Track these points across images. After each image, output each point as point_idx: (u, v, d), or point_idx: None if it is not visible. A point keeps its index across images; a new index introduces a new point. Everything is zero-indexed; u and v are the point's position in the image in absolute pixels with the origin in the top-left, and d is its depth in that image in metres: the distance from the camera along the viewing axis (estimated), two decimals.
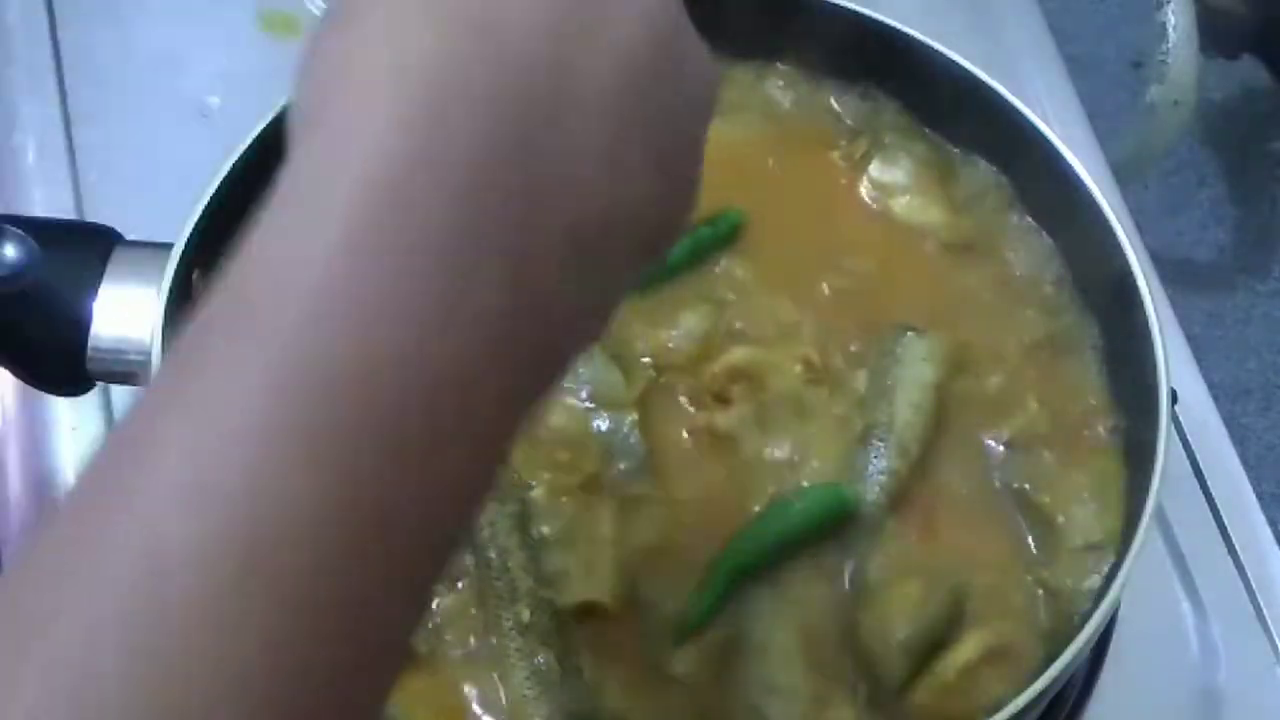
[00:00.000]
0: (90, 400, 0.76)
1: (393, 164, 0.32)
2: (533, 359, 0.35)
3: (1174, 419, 0.66)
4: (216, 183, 0.67)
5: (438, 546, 0.34)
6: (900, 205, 0.74)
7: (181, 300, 0.65)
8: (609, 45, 0.35)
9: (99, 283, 0.67)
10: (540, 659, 0.60)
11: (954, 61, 0.73)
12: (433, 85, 0.33)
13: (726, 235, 0.71)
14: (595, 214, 0.35)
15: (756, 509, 0.63)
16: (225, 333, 0.33)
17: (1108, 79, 1.59)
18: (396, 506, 0.32)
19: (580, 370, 0.65)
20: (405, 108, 0.33)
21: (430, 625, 0.61)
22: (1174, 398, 0.65)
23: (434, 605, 0.62)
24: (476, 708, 0.60)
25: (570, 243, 0.34)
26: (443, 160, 0.32)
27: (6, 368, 0.70)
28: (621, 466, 0.63)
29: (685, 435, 0.65)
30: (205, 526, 0.30)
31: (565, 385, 0.64)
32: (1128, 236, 0.68)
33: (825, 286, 0.71)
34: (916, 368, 0.67)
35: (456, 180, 0.32)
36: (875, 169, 0.75)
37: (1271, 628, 0.76)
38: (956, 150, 0.76)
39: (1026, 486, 0.66)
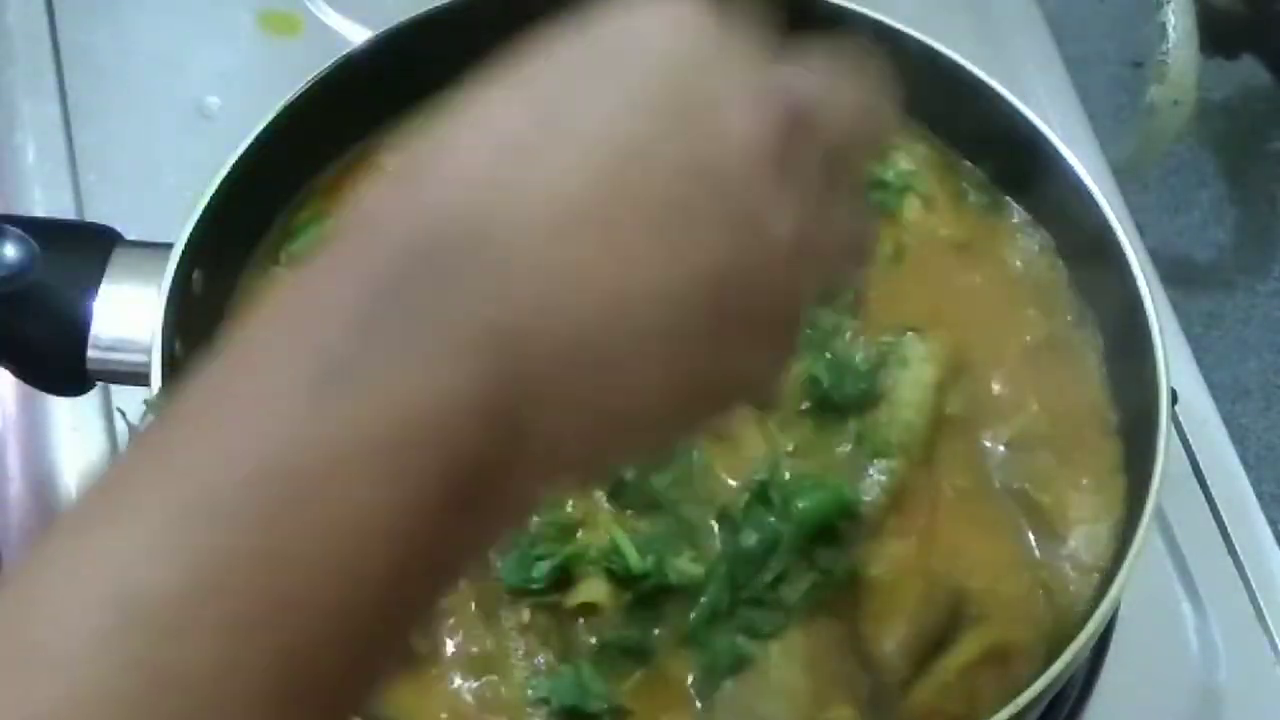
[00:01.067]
0: (90, 400, 0.76)
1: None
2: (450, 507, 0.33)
3: (1174, 419, 0.66)
4: (216, 183, 0.68)
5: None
6: (900, 205, 0.74)
7: (182, 300, 0.65)
8: (548, 181, 0.34)
9: (99, 283, 0.67)
10: (540, 659, 0.60)
11: (954, 61, 0.73)
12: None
13: None
14: (537, 328, 0.33)
15: (757, 509, 0.63)
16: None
17: (1108, 79, 1.59)
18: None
19: None
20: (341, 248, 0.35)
21: (430, 625, 0.61)
22: (1174, 398, 0.65)
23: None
24: (476, 708, 0.60)
25: (508, 358, 0.33)
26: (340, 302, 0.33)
27: (6, 368, 0.70)
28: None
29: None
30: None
31: None
32: (1128, 236, 0.68)
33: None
34: (916, 368, 0.67)
35: (359, 302, 0.33)
36: (875, 169, 0.75)
37: (1271, 628, 0.76)
38: (956, 150, 0.76)
39: (1026, 486, 0.66)
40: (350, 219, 0.35)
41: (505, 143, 0.34)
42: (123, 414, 0.77)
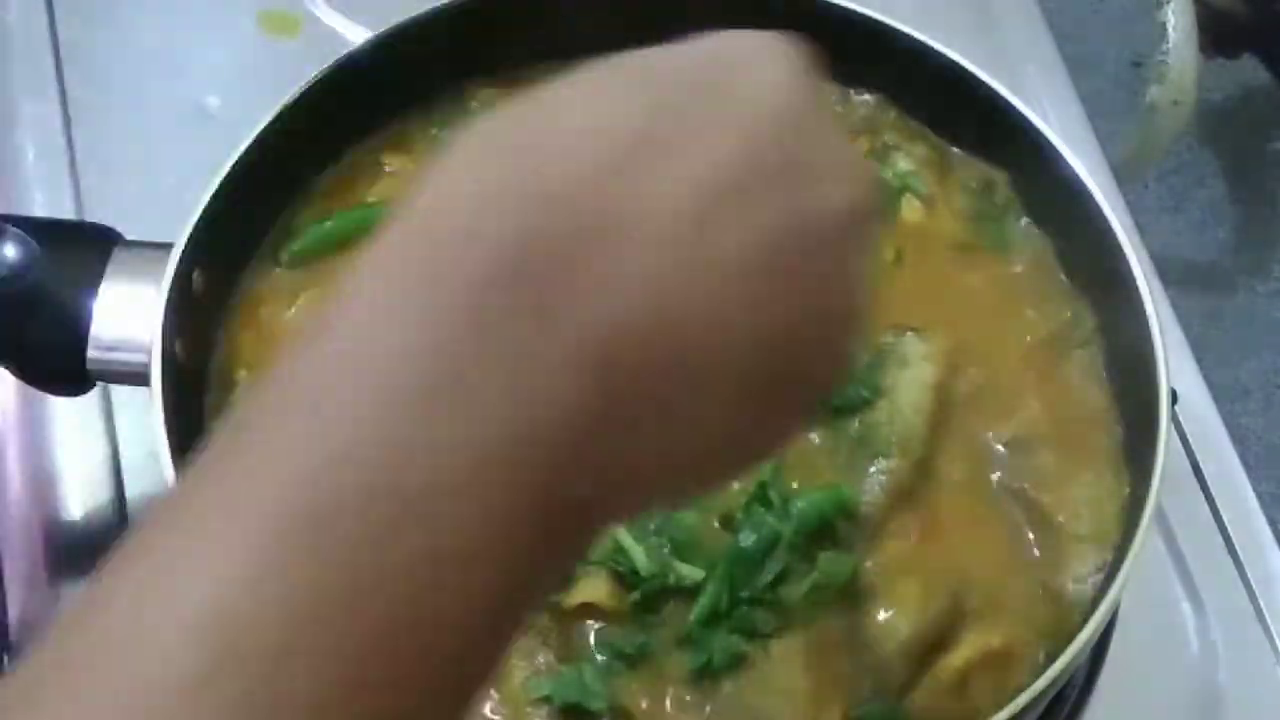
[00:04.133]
0: (90, 400, 0.75)
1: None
2: (553, 508, 0.32)
3: (1174, 419, 0.66)
4: (216, 183, 0.68)
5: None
6: (900, 205, 0.74)
7: (181, 300, 0.65)
8: (679, 174, 0.33)
9: (99, 283, 0.67)
10: (540, 659, 0.60)
11: (954, 62, 0.73)
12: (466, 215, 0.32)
13: None
14: (633, 345, 0.32)
15: (756, 509, 0.63)
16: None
17: (1108, 79, 1.59)
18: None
19: None
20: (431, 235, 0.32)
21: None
22: (1174, 398, 0.65)
23: None
24: (477, 707, 0.60)
25: (601, 376, 0.31)
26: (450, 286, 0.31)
27: (6, 368, 0.70)
28: None
29: None
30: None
31: None
32: (1128, 236, 0.68)
33: None
34: (917, 368, 0.67)
35: (466, 300, 0.31)
36: (875, 169, 0.75)
37: (1271, 628, 0.76)
38: (956, 150, 0.76)
39: (1026, 486, 0.66)
40: (432, 192, 0.33)
41: (622, 139, 0.33)
42: None
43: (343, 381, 0.31)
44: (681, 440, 0.34)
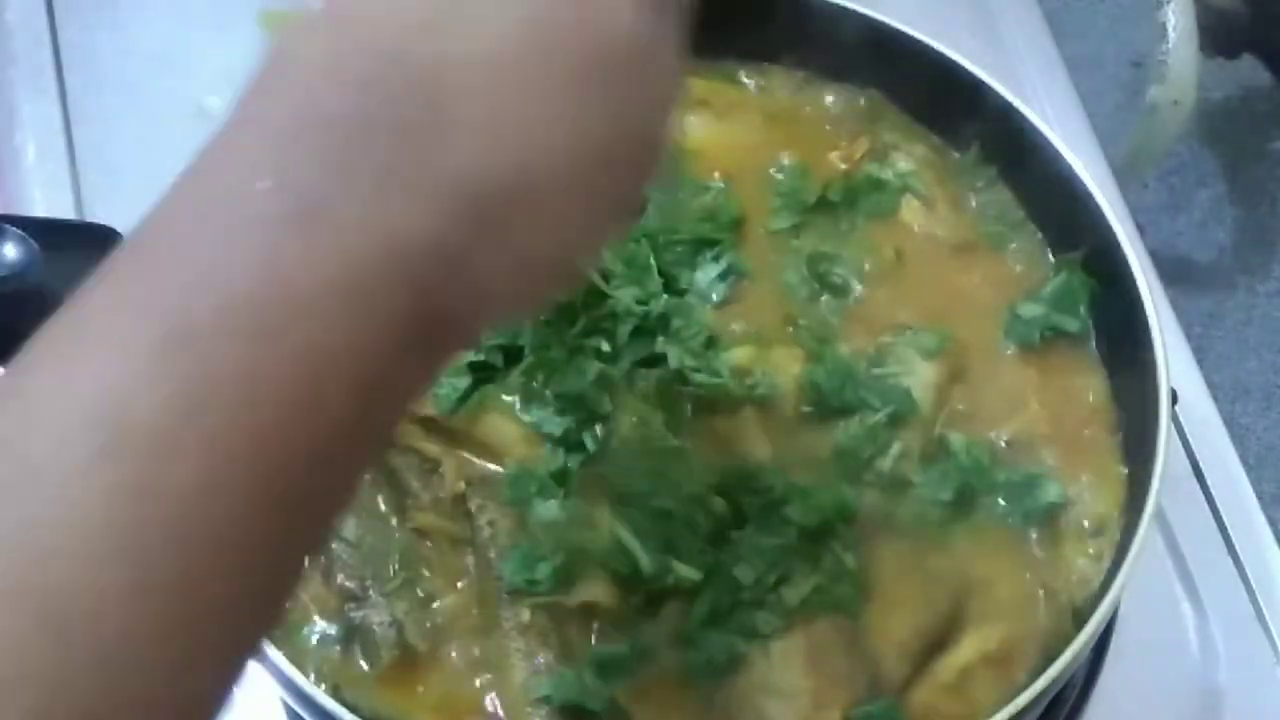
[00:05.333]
0: None
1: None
2: (420, 314, 0.36)
3: (1174, 419, 0.66)
4: None
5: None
6: (900, 205, 0.74)
7: None
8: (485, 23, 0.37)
9: None
10: (540, 659, 0.60)
11: (954, 62, 0.73)
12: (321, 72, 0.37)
13: (727, 231, 0.71)
14: (488, 175, 0.36)
15: (758, 509, 0.63)
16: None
17: (1108, 79, 1.59)
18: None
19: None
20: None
21: (430, 625, 0.61)
22: (1174, 398, 0.65)
23: (434, 605, 0.62)
24: (477, 707, 0.60)
25: (465, 202, 0.36)
26: (315, 124, 0.36)
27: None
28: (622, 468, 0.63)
29: (687, 435, 0.65)
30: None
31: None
32: (1128, 236, 0.68)
33: (826, 287, 0.71)
34: (916, 368, 0.67)
35: (327, 142, 0.35)
36: (875, 169, 0.75)
37: (1271, 628, 0.76)
38: (956, 150, 0.76)
39: None
40: (280, 55, 0.38)
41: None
42: None
43: (219, 210, 0.35)
44: (531, 252, 0.38)
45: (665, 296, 0.62)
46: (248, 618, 0.34)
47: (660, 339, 0.61)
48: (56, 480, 0.31)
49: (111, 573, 0.31)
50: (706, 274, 0.70)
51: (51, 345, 0.35)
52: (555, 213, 0.38)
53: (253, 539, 0.33)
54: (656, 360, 0.62)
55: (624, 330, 0.60)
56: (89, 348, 0.34)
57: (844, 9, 0.74)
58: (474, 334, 0.41)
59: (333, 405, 0.34)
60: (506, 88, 0.37)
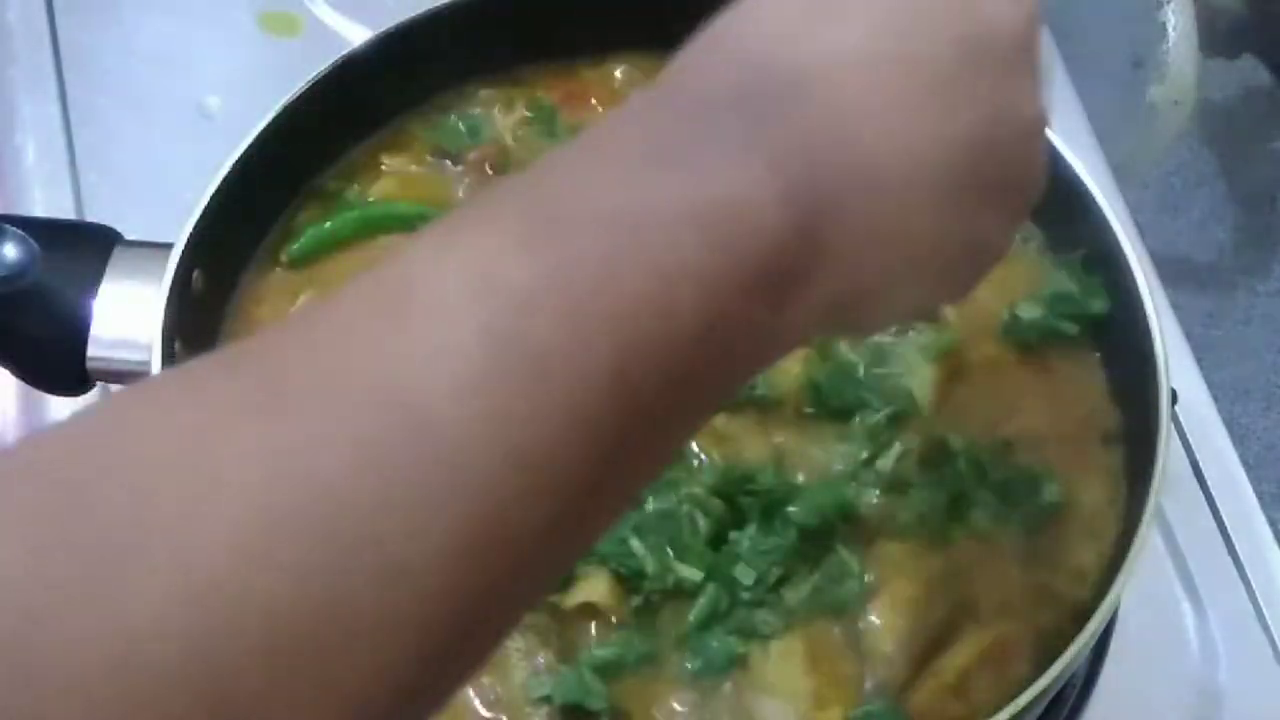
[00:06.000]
0: (90, 400, 0.75)
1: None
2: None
3: (1174, 419, 0.66)
4: (216, 183, 0.68)
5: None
6: None
7: (181, 300, 0.65)
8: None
9: (99, 283, 0.67)
10: (540, 659, 0.60)
11: None
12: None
13: None
14: (850, 153, 0.39)
15: (758, 509, 0.63)
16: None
17: (1108, 79, 1.59)
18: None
19: None
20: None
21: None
22: (1174, 398, 0.65)
23: None
24: (477, 707, 0.60)
25: (828, 176, 0.38)
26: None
27: (6, 368, 0.70)
28: None
29: None
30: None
31: None
32: (1128, 236, 0.68)
33: None
34: (917, 368, 0.67)
35: (695, 124, 0.39)
36: None
37: (1271, 628, 0.76)
38: None
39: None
40: (677, 70, 0.41)
41: (808, 5, 0.41)
42: None
43: (592, 156, 0.39)
44: (887, 249, 0.40)
45: None
46: (558, 538, 0.35)
47: None
48: (431, 318, 0.34)
49: (472, 404, 0.33)
50: None
51: (430, 229, 0.37)
52: (907, 218, 0.40)
53: (600, 429, 0.34)
54: None
55: None
56: (467, 225, 0.37)
57: None
58: (811, 323, 0.41)
59: (682, 314, 0.36)
60: (870, 81, 0.39)
